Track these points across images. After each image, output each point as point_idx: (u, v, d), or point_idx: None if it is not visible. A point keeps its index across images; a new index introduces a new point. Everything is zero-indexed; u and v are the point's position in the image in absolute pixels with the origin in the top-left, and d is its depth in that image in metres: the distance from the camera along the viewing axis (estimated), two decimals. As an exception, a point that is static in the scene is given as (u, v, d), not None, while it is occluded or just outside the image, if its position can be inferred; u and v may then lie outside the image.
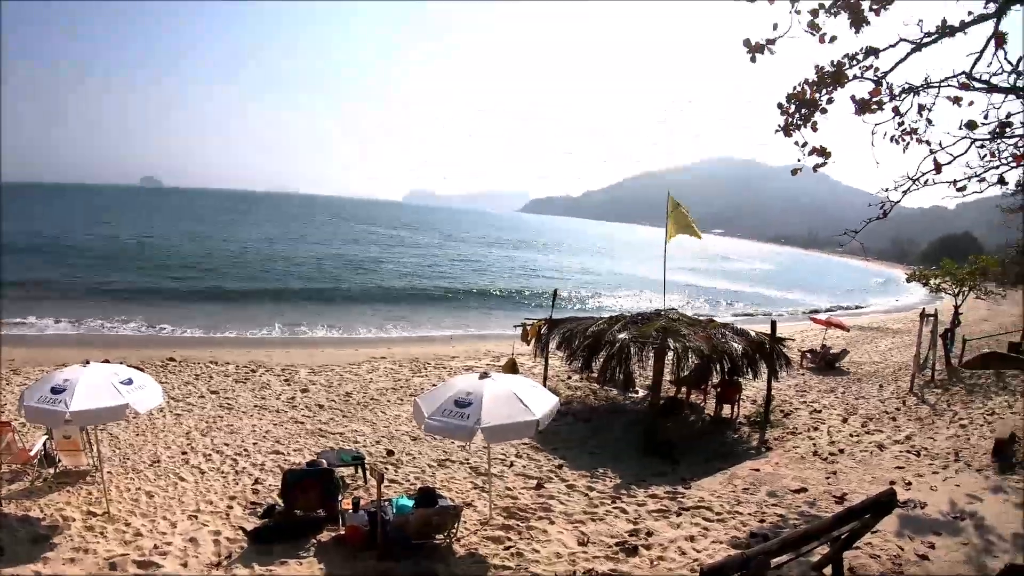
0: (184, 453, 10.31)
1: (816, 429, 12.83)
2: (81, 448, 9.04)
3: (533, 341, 15.33)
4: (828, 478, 9.75)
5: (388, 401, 14.19)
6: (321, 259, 49.29)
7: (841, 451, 11.28)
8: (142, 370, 9.85)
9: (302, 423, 12.32)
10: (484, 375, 7.78)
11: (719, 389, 13.92)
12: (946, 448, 10.91)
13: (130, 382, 7.81)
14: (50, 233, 51.43)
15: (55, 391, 7.21)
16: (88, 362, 7.97)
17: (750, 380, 14.59)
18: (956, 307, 22.96)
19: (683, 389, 14.71)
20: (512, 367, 14.71)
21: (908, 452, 10.90)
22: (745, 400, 14.50)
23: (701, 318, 14.94)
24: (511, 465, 10.46)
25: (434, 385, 13.96)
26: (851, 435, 12.32)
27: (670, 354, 13.09)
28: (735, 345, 13.05)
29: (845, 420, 13.47)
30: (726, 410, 13.80)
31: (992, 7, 8.47)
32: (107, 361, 9.42)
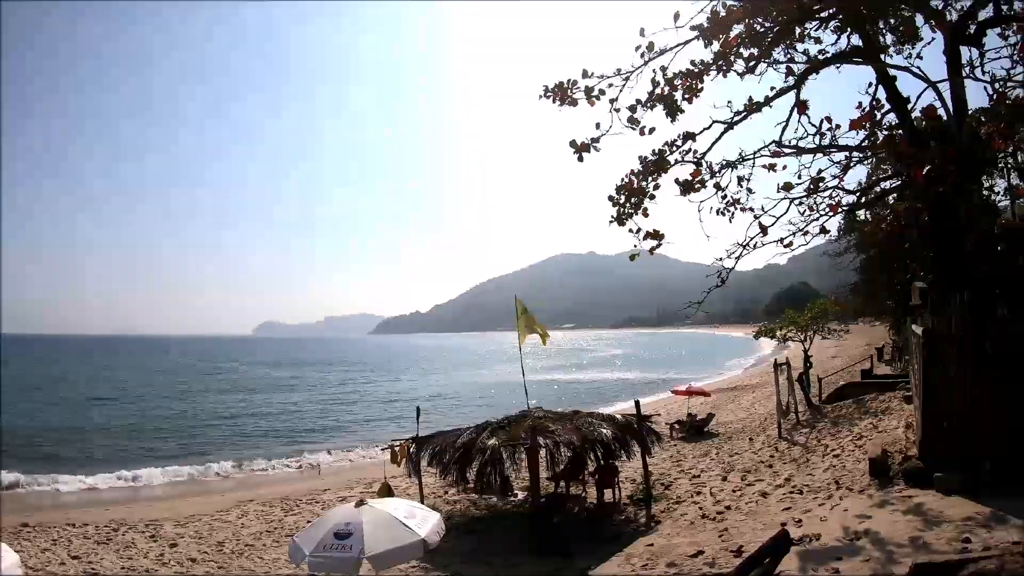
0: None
1: (699, 493, 12.87)
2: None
3: (403, 461, 14.75)
4: (721, 536, 9.59)
5: (264, 545, 12.73)
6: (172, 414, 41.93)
7: (728, 508, 11.27)
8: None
9: (176, 581, 10.49)
10: (360, 503, 7.32)
11: (596, 476, 13.89)
12: (826, 480, 11.24)
13: None
14: None
15: None
16: None
17: (625, 461, 14.65)
18: (805, 351, 24.89)
19: (561, 482, 14.58)
20: (387, 491, 13.91)
21: (791, 493, 11.09)
22: (624, 481, 14.29)
23: (566, 411, 15.15)
24: (404, 591, 9.52)
25: (309, 522, 12.85)
26: (734, 490, 12.43)
27: (543, 451, 13.10)
28: (604, 431, 13.30)
29: (725, 478, 13.66)
30: (607, 495, 13.65)
31: (791, 80, 9.64)
32: None
